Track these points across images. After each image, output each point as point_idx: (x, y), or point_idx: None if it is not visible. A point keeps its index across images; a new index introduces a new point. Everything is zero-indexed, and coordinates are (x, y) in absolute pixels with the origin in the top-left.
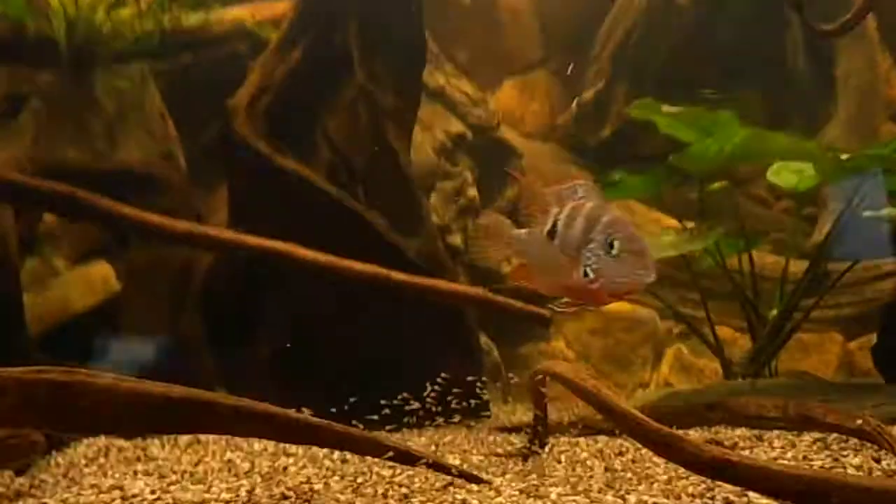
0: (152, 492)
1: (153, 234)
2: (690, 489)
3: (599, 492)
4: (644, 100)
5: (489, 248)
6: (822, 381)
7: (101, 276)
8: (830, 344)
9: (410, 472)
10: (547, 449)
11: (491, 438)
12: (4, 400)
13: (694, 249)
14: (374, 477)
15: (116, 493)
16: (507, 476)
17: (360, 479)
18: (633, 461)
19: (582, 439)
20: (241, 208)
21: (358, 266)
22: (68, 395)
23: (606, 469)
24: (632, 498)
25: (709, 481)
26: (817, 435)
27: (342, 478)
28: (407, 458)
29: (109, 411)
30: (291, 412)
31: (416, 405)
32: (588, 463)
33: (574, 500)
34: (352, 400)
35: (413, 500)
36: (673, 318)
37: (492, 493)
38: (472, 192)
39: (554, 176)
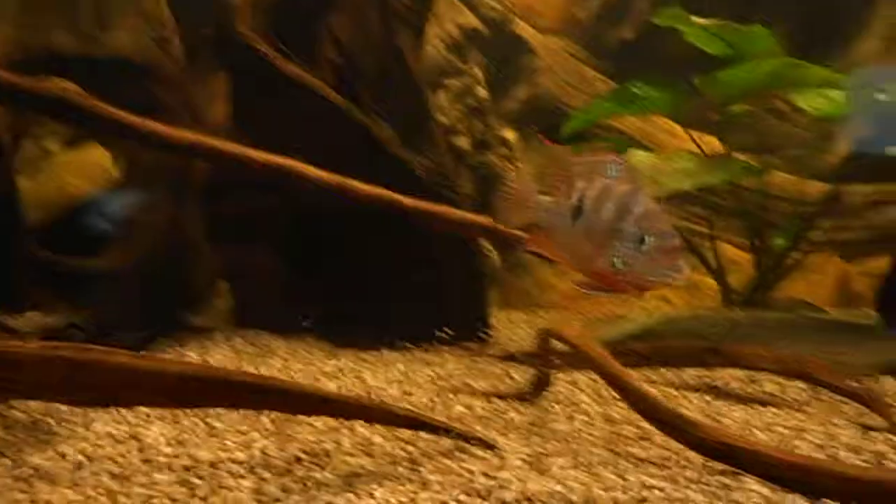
0: (167, 443)
1: (159, 144)
2: (688, 453)
3: (600, 465)
4: (672, 8)
5: (512, 210)
6: (820, 318)
7: (97, 162)
8: (829, 265)
9: (421, 435)
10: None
11: (491, 370)
12: (21, 375)
13: (713, 182)
14: (384, 438)
15: (133, 443)
16: (511, 436)
17: (370, 440)
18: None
19: (581, 375)
20: (242, 114)
21: (366, 188)
22: (84, 372)
23: (606, 419)
24: (631, 478)
25: None
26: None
27: (351, 438)
28: (416, 423)
29: (125, 387)
30: (307, 385)
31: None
32: (585, 408)
33: (575, 477)
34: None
35: (421, 466)
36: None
37: (497, 462)
38: (482, 91)
39: (568, 76)
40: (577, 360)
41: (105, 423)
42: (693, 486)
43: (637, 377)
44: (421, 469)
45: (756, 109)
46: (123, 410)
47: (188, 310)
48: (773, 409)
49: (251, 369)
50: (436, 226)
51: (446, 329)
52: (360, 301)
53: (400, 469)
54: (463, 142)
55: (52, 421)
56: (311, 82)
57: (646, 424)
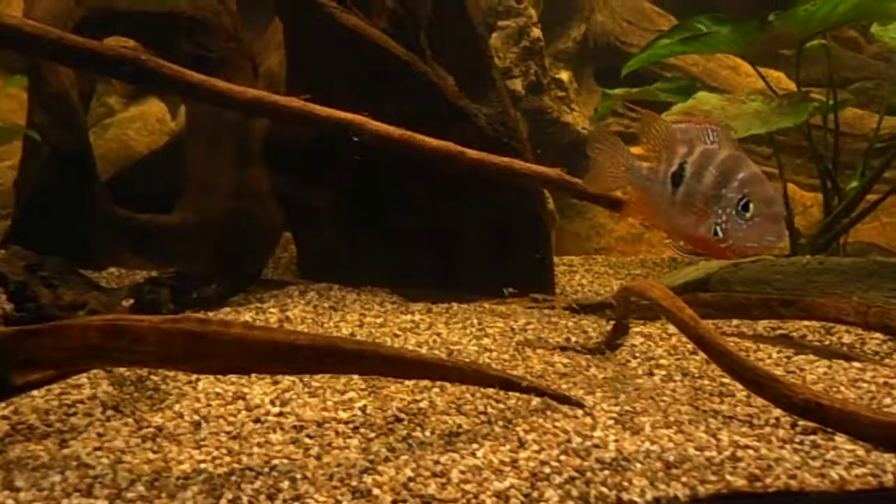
0: (272, 402)
1: (220, 101)
2: (774, 409)
3: (690, 423)
4: None
5: (605, 175)
6: (894, 264)
7: (155, 115)
8: None
9: (507, 393)
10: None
11: (563, 323)
12: (145, 348)
13: (787, 125)
14: (473, 396)
15: (241, 403)
16: (597, 393)
17: (461, 398)
18: (707, 361)
19: (652, 326)
20: (299, 65)
21: (432, 142)
22: (203, 344)
23: (684, 374)
24: (723, 437)
25: None
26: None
27: (443, 397)
28: (508, 384)
29: (241, 358)
30: (406, 351)
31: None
32: (663, 363)
33: (668, 436)
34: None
35: (515, 424)
36: None
37: (589, 422)
38: (536, 31)
39: (626, 12)
40: (651, 312)
41: (209, 382)
42: (787, 447)
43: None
44: (517, 428)
45: (830, 42)
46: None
47: (258, 263)
48: (857, 364)
49: (331, 324)
50: (502, 177)
51: (511, 284)
52: (426, 253)
53: (496, 428)
54: (518, 84)
55: (156, 378)
56: (370, 32)
57: (726, 378)
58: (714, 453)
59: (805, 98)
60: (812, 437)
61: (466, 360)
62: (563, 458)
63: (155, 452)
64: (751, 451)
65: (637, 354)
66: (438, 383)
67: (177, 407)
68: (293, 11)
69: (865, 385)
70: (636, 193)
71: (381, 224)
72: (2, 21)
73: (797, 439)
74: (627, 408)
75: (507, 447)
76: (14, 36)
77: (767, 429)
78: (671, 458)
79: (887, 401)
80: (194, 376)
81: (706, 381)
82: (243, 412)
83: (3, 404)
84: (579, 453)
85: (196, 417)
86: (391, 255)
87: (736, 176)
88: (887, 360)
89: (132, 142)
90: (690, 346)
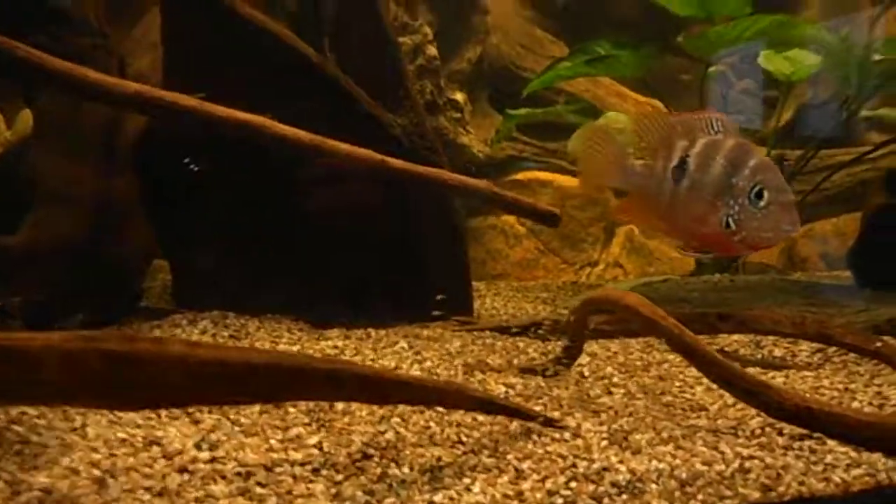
0: (196, 446)
1: (93, 95)
2: (750, 421)
3: (684, 439)
4: None
5: (600, 175)
6: (797, 281)
7: None
8: None
9: (476, 417)
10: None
11: (499, 344)
12: (43, 376)
13: None
14: (439, 424)
15: (156, 449)
16: (576, 414)
17: (427, 427)
18: (661, 378)
19: (594, 345)
20: (184, 68)
21: (348, 149)
22: (130, 370)
23: (644, 391)
24: (726, 449)
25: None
26: (814, 345)
27: (406, 427)
28: (492, 406)
29: (180, 384)
30: (384, 370)
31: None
32: (618, 381)
33: (670, 453)
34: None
35: (503, 453)
36: None
37: (581, 444)
38: (432, 49)
39: (520, 37)
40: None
41: (102, 426)
42: (789, 454)
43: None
44: (507, 456)
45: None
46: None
47: (133, 289)
48: (806, 373)
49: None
50: (431, 188)
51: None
52: (329, 275)
53: (483, 458)
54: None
55: (19, 429)
56: (277, 29)
57: (687, 393)
58: (722, 467)
59: None
60: (807, 443)
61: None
62: (573, 484)
63: None
64: (757, 462)
65: (587, 374)
66: (398, 412)
67: (65, 461)
68: (184, 2)
69: (828, 391)
70: (631, 193)
71: (275, 243)
72: None
73: (795, 446)
74: (615, 427)
75: (505, 478)
76: None
77: (763, 438)
78: (683, 476)
79: (854, 404)
80: (78, 422)
81: (670, 398)
82: (161, 460)
83: None
84: (590, 478)
85: (97, 472)
86: (288, 278)
87: (747, 164)
88: (822, 370)
89: None
90: (639, 363)
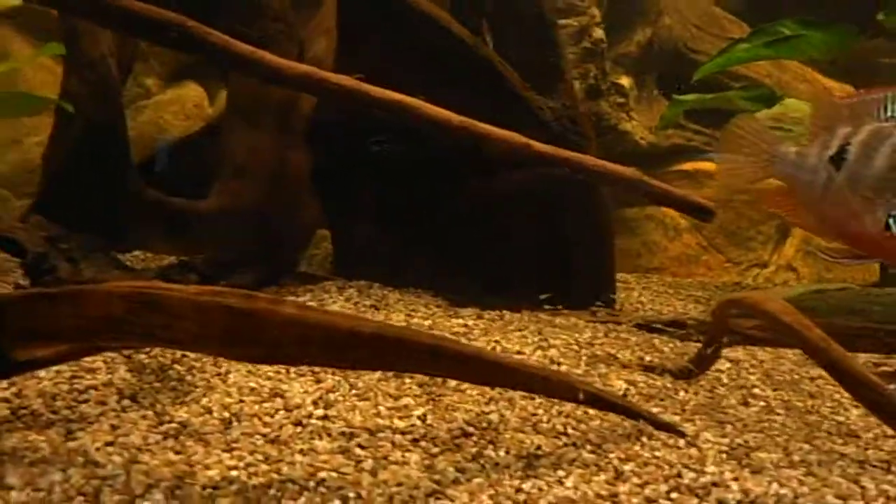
0: (314, 403)
1: (267, 75)
2: None
3: (820, 465)
4: None
5: (740, 162)
6: None
7: (192, 99)
8: None
9: (587, 411)
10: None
11: (633, 340)
12: (179, 324)
13: None
14: (548, 412)
15: (279, 401)
16: (697, 421)
17: (534, 414)
18: (811, 395)
19: (739, 351)
20: (353, 50)
21: (495, 131)
22: (248, 325)
23: (787, 407)
24: (868, 484)
25: None
26: None
27: (513, 411)
28: (598, 401)
29: (291, 343)
30: (490, 352)
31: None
32: (759, 393)
33: (797, 479)
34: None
35: (606, 451)
36: None
37: (695, 454)
38: (599, 32)
39: (695, 16)
40: (738, 335)
41: (241, 374)
42: None
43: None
44: (609, 455)
45: None
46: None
47: (295, 253)
48: None
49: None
50: (574, 174)
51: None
52: (473, 256)
53: (584, 453)
54: (575, 87)
55: (180, 368)
56: (434, 12)
57: (840, 415)
58: (860, 502)
59: None
60: None
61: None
62: (674, 496)
63: (177, 453)
64: None
65: (725, 381)
66: (507, 395)
67: (204, 401)
68: None
69: None
70: (782, 183)
71: (426, 223)
72: None
73: None
74: (738, 441)
75: (602, 477)
76: None
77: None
78: None
79: None
80: (223, 367)
81: (816, 418)
82: (281, 412)
83: (5, 384)
84: (695, 492)
85: (226, 414)
86: (434, 257)
87: None
88: None
89: (167, 125)
90: (789, 377)
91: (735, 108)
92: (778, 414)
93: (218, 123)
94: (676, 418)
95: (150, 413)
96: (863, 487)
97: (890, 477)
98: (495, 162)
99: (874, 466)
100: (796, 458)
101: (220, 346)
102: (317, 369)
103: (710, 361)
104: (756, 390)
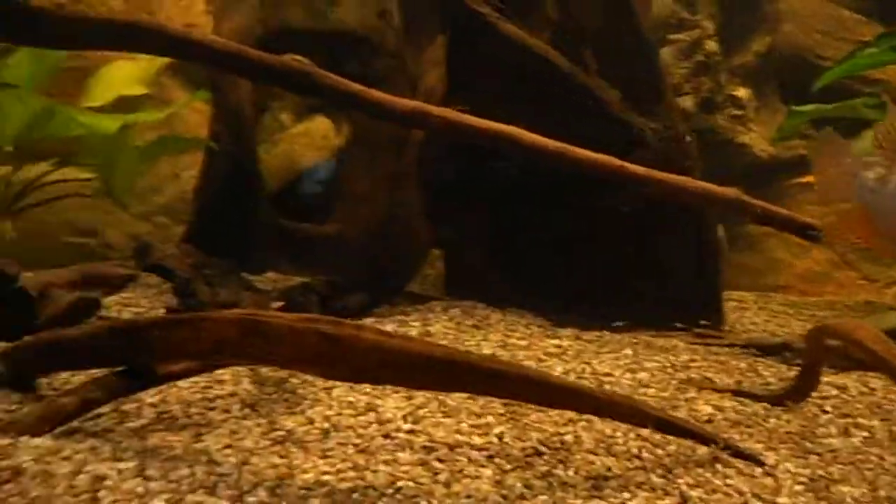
0: (404, 418)
1: (377, 111)
2: None
3: None
4: None
5: (824, 187)
6: None
7: (321, 131)
8: None
9: (667, 436)
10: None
11: (734, 363)
12: (278, 347)
13: None
14: (626, 436)
15: (372, 415)
16: (781, 450)
17: (611, 436)
18: None
19: (848, 378)
20: (460, 81)
21: (589, 155)
22: (336, 348)
23: (893, 439)
24: None
25: None
26: None
27: (590, 433)
28: (668, 426)
29: (373, 367)
30: (552, 376)
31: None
32: (863, 423)
33: None
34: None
35: (676, 476)
36: None
37: (770, 483)
38: (712, 45)
39: (820, 21)
40: (848, 361)
41: (343, 390)
42: None
43: None
44: (678, 480)
45: None
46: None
47: (406, 277)
48: None
49: (473, 342)
50: (670, 197)
51: (676, 315)
52: (579, 277)
53: (653, 477)
54: (688, 102)
55: (296, 381)
56: (531, 43)
57: None
58: None
59: None
60: None
61: (620, 393)
62: None
63: (282, 457)
64: None
65: (828, 409)
66: (586, 417)
67: (309, 412)
68: (453, 22)
69: None
70: (859, 207)
71: (532, 246)
72: (190, 37)
73: None
74: (821, 472)
75: (667, 501)
76: (200, 49)
77: None
78: None
79: None
80: (330, 383)
81: None
82: (374, 425)
83: (153, 392)
84: None
85: (326, 425)
86: (542, 279)
87: None
88: None
89: (298, 156)
90: None
91: (859, 117)
92: (881, 447)
93: (342, 154)
94: (759, 446)
95: (264, 421)
96: None
97: None
98: (599, 184)
99: None
100: (882, 493)
101: (311, 366)
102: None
103: (809, 389)
104: (861, 419)
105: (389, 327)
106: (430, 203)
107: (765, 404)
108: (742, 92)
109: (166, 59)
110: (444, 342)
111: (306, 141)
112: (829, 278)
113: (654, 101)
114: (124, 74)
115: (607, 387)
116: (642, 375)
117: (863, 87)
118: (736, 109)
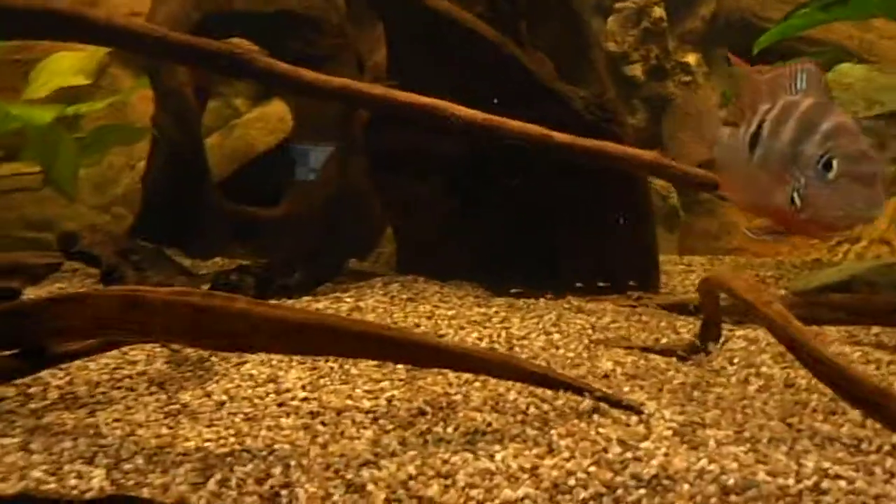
0: (303, 387)
1: (308, 90)
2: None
3: (770, 443)
4: None
5: (691, 144)
6: None
7: (276, 115)
8: None
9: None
10: (719, 343)
11: (654, 322)
12: (154, 319)
13: None
14: (519, 393)
15: (271, 385)
16: (664, 398)
17: (503, 396)
18: None
19: (761, 330)
20: (397, 55)
21: (514, 125)
22: (206, 318)
23: (787, 385)
24: (809, 462)
25: None
26: None
27: (482, 392)
28: (548, 382)
29: (245, 335)
30: (428, 336)
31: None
32: (766, 372)
33: (734, 455)
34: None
35: (552, 427)
36: None
37: (641, 431)
38: (658, 11)
39: None
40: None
41: (253, 364)
42: (894, 480)
43: (837, 337)
44: (551, 431)
45: None
46: (271, 354)
47: (354, 256)
48: None
49: (401, 314)
50: (595, 162)
51: (609, 277)
52: (518, 246)
53: (529, 430)
54: (637, 70)
55: (216, 359)
56: (459, 16)
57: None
58: (791, 481)
59: None
60: None
61: (526, 355)
62: (592, 469)
63: (169, 428)
64: (842, 483)
65: (735, 360)
66: (482, 378)
67: (212, 386)
68: (387, 1)
69: None
70: (717, 165)
71: (476, 216)
72: (112, 22)
73: None
74: (695, 418)
75: (534, 452)
76: (123, 35)
77: (873, 456)
78: (731, 482)
79: None
80: (242, 358)
81: (814, 396)
82: (271, 395)
83: (62, 374)
84: (613, 466)
85: (223, 398)
86: (486, 249)
87: (817, 128)
88: None
89: (254, 141)
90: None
91: None
92: (771, 392)
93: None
94: (644, 397)
95: (163, 397)
96: (801, 465)
97: (841, 454)
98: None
99: (842, 444)
100: (747, 434)
101: (185, 336)
102: (318, 358)
103: (711, 340)
104: (764, 368)
105: (321, 304)
106: (378, 178)
107: (671, 359)
108: (691, 58)
109: (108, 49)
110: (372, 316)
111: (261, 125)
112: (778, 239)
113: (584, 70)
114: (66, 66)
115: (518, 349)
116: (556, 337)
117: (807, 47)
118: (685, 76)
